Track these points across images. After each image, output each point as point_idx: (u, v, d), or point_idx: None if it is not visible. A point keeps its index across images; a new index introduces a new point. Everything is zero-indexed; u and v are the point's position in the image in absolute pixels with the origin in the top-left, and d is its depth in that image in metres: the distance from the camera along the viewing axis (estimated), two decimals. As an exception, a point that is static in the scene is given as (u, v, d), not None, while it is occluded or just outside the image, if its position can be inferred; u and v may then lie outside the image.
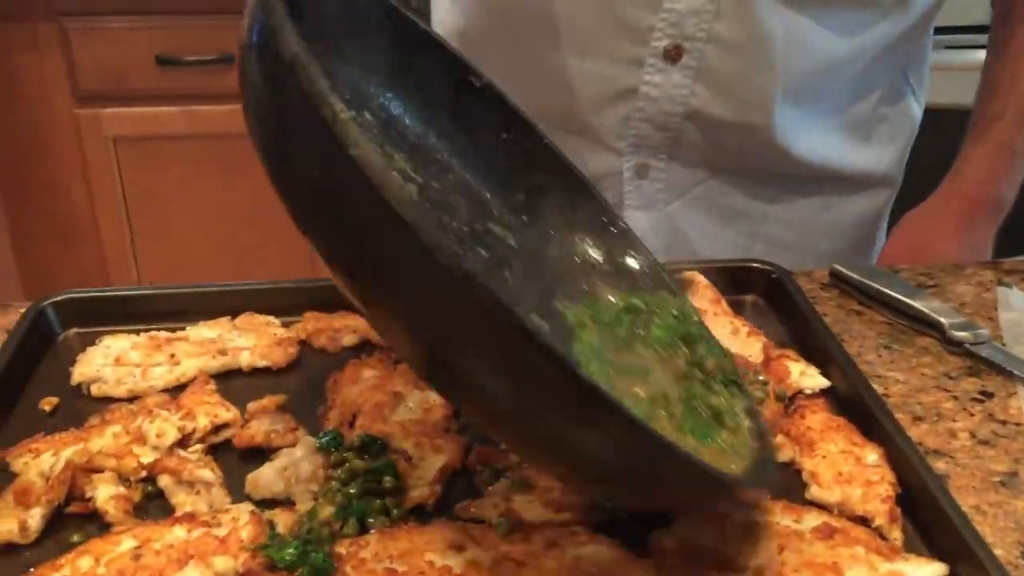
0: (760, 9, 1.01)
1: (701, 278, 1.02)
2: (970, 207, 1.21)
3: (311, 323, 0.97)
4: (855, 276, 1.06)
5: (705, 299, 0.99)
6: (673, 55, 1.05)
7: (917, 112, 1.27)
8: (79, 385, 0.87)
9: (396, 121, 0.78)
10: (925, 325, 0.99)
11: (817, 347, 0.91)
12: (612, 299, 0.81)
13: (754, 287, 1.04)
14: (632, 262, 0.85)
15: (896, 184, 1.29)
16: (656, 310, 0.80)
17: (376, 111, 0.77)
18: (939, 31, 1.27)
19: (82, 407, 0.85)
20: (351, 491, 0.73)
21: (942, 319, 0.97)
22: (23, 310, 0.95)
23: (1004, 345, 0.97)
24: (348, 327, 0.96)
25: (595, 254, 0.84)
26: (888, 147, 1.24)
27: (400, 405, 0.83)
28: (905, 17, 1.09)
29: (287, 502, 0.74)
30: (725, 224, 1.21)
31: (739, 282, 1.04)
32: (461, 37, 1.19)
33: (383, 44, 0.77)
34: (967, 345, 0.95)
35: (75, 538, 0.71)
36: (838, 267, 1.08)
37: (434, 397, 0.86)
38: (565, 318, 0.79)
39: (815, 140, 1.15)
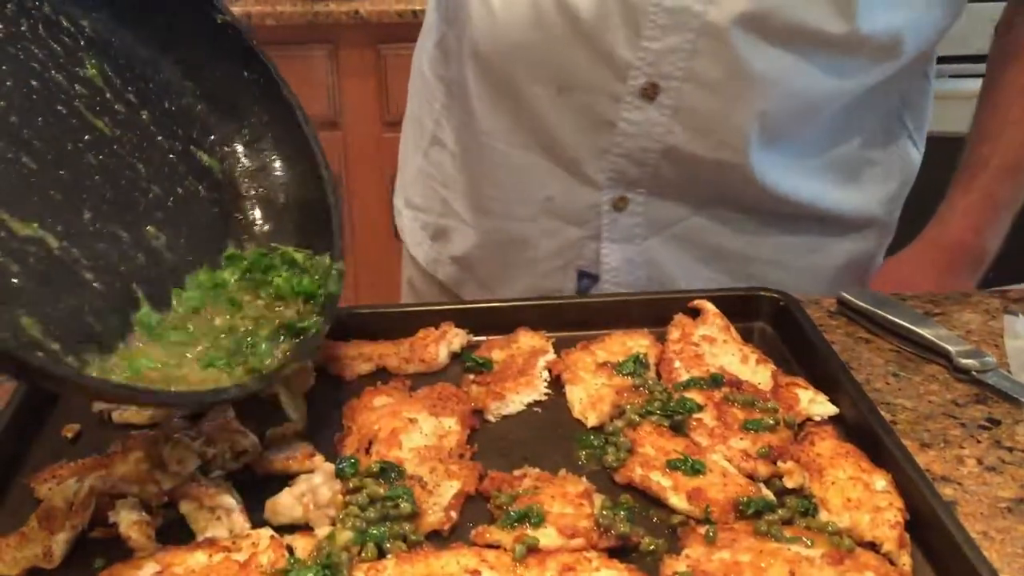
0: (740, 48, 1.01)
1: (710, 306, 1.03)
2: (951, 257, 1.21)
3: (326, 351, 0.98)
4: (862, 304, 1.07)
5: (715, 326, 1.01)
6: (650, 93, 1.05)
7: (914, 155, 1.25)
8: (100, 412, 0.89)
9: (112, 45, 0.85)
10: (932, 353, 1.00)
11: (826, 374, 0.92)
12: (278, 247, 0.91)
13: (762, 315, 1.06)
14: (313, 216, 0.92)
15: (888, 227, 1.28)
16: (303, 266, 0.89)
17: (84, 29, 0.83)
18: (939, 60, 1.25)
19: (104, 434, 0.87)
20: (369, 516, 0.74)
21: (949, 347, 0.98)
22: (46, 338, 0.96)
23: (1011, 373, 0.98)
24: (363, 355, 0.98)
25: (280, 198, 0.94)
26: (877, 190, 1.22)
27: (415, 432, 0.85)
28: (894, 64, 1.08)
29: (305, 527, 0.76)
30: (708, 263, 1.20)
31: (747, 310, 1.05)
32: (453, 64, 1.21)
33: None
34: (974, 373, 0.96)
35: (98, 563, 0.72)
36: (846, 295, 1.10)
37: (448, 424, 0.87)
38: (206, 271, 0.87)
39: (793, 180, 1.14)
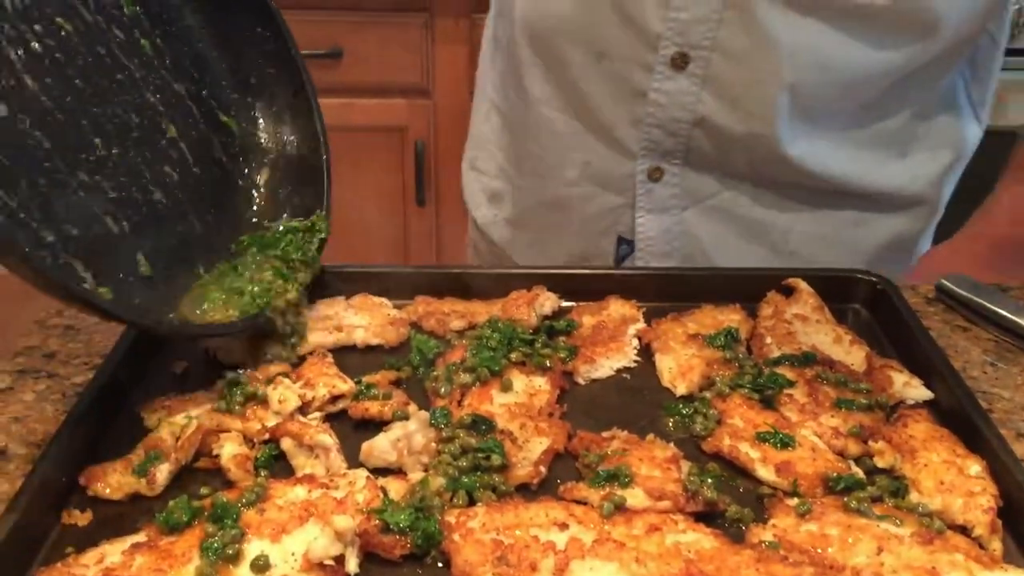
0: (762, 14, 1.00)
1: (804, 285, 1.03)
2: (992, 250, 1.18)
3: (421, 306, 1.01)
4: (962, 292, 1.05)
5: (808, 306, 1.00)
6: (679, 63, 1.06)
7: (972, 130, 1.21)
8: (206, 350, 0.92)
9: None
10: (1033, 344, 0.98)
11: (922, 360, 0.91)
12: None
13: (858, 297, 1.04)
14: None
15: (937, 205, 1.23)
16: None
17: None
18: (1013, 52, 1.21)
19: (209, 371, 0.90)
20: (461, 465, 0.76)
21: (1051, 339, 0.96)
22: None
23: (1115, 369, 0.95)
24: (456, 312, 1.00)
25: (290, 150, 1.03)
26: (926, 167, 1.18)
27: (507, 389, 0.87)
28: (935, 41, 1.04)
29: (398, 472, 0.78)
30: (746, 237, 1.19)
31: (843, 291, 1.04)
32: (507, 33, 1.23)
33: None
34: (1076, 367, 0.94)
35: (203, 491, 0.75)
36: (946, 283, 1.08)
37: (539, 383, 0.89)
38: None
39: (829, 154, 1.12)
